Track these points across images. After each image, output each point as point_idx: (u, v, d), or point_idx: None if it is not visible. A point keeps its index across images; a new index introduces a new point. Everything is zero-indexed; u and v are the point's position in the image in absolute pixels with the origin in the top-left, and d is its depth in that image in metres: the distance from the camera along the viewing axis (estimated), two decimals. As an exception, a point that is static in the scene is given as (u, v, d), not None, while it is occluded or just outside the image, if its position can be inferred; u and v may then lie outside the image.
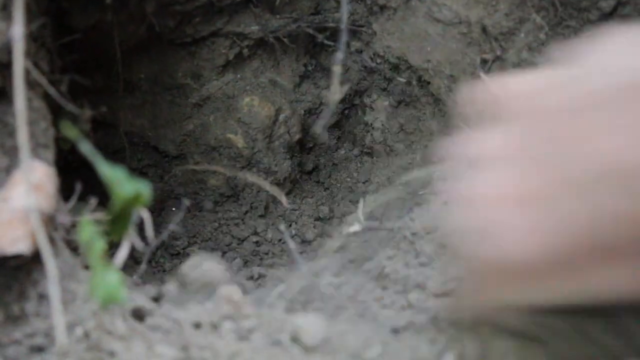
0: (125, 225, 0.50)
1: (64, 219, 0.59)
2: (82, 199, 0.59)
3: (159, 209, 1.07)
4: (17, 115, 0.51)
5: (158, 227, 1.07)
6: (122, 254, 0.54)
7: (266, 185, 0.96)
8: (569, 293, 0.50)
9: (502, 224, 0.48)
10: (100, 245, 0.48)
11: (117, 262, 0.54)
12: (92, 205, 0.68)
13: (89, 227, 0.49)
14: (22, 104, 0.48)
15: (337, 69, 0.75)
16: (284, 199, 0.90)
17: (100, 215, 0.56)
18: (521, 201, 0.48)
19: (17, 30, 0.49)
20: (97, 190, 0.58)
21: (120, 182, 0.48)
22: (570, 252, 0.47)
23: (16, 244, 0.54)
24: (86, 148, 0.47)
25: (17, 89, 0.49)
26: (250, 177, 1.02)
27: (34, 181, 0.56)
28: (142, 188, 0.48)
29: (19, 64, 0.49)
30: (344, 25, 0.77)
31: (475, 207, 0.49)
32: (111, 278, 0.47)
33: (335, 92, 0.76)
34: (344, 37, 0.75)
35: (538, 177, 0.48)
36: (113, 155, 1.04)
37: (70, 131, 0.48)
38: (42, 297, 0.58)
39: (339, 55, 0.73)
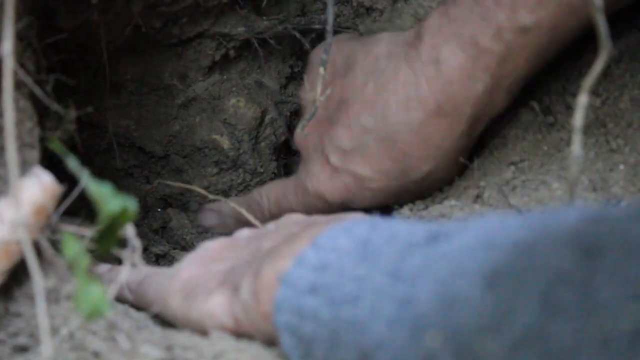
0: (112, 241, 0.50)
1: (55, 222, 0.59)
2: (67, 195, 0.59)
3: (143, 210, 1.07)
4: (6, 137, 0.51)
5: (143, 228, 1.07)
6: (123, 274, 0.54)
7: (243, 212, 0.96)
8: None
9: None
10: (84, 260, 0.48)
11: (119, 282, 0.54)
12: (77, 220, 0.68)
13: (73, 243, 0.49)
14: (11, 127, 0.48)
15: (322, 71, 0.75)
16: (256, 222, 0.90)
17: (85, 230, 0.56)
18: None
19: (7, 47, 0.48)
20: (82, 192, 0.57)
21: (107, 198, 0.48)
22: None
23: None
24: (73, 164, 0.47)
25: (7, 111, 0.49)
26: (227, 201, 1.02)
27: (38, 202, 0.55)
28: (129, 204, 0.49)
29: (8, 80, 0.48)
30: (330, 27, 0.77)
31: None
32: (96, 291, 0.47)
33: (318, 94, 0.76)
34: (329, 39, 0.75)
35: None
36: (99, 155, 1.04)
37: (57, 147, 0.48)
38: (27, 297, 0.58)
39: (324, 57, 0.73)
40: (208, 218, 1.05)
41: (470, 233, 0.48)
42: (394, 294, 0.48)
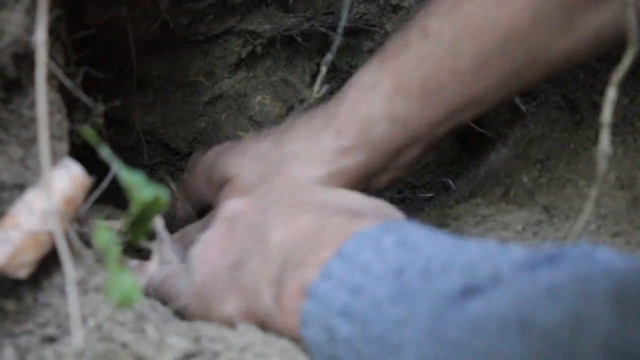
0: (143, 230, 0.51)
1: (82, 215, 0.60)
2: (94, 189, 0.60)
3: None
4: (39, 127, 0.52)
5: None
6: (153, 265, 0.54)
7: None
8: None
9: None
10: (116, 249, 0.48)
11: (148, 273, 0.54)
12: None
13: (105, 232, 0.49)
14: (44, 116, 0.48)
15: (323, 70, 0.76)
16: None
17: (116, 222, 0.56)
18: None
19: (40, 37, 0.48)
20: (111, 186, 0.58)
21: (139, 186, 0.48)
22: None
23: (19, 270, 0.54)
24: (106, 152, 0.47)
25: (40, 105, 0.49)
26: None
27: (68, 193, 0.55)
28: (161, 193, 0.49)
29: (41, 70, 0.49)
30: (340, 30, 0.77)
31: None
32: (127, 280, 0.47)
33: (316, 90, 0.76)
34: (337, 41, 0.75)
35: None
36: (126, 152, 1.04)
37: (90, 135, 0.48)
38: (55, 288, 0.58)
39: (329, 56, 0.74)
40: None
41: (502, 300, 0.47)
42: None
